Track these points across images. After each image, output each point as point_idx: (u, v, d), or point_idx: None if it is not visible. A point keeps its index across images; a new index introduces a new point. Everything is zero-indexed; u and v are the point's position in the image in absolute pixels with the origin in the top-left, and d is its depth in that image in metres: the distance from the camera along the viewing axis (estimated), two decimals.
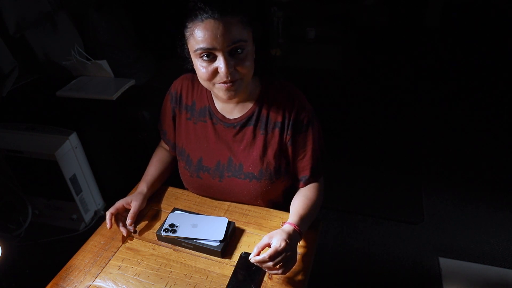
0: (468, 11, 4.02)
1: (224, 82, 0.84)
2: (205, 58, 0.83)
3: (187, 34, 0.85)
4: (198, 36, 0.81)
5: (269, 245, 0.81)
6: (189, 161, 1.03)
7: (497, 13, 3.91)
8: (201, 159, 1.01)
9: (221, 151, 0.99)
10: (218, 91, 0.87)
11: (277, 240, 0.79)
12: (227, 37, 0.80)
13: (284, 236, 0.81)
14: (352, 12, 3.53)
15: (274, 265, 0.78)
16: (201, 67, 0.85)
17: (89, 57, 1.90)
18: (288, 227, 0.86)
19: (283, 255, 0.78)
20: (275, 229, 0.95)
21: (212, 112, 1.00)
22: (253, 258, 0.79)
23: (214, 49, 0.81)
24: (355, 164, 2.39)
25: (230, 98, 0.89)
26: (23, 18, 1.90)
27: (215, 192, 1.04)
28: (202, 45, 0.81)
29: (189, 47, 0.87)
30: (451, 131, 2.69)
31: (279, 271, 0.79)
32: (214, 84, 0.86)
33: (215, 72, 0.84)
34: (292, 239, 0.82)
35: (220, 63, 0.82)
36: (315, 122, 0.98)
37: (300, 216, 0.90)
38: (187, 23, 0.84)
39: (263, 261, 0.78)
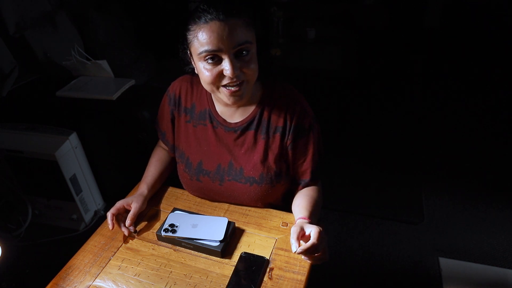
0: (468, 11, 4.02)
1: (229, 86, 0.83)
2: (209, 61, 0.81)
3: (190, 37, 0.83)
4: (203, 38, 0.79)
5: (303, 233, 0.80)
6: (188, 164, 1.02)
7: (497, 13, 3.91)
8: (201, 162, 1.01)
9: (222, 154, 0.99)
10: (223, 96, 0.86)
11: (312, 227, 0.79)
12: (233, 39, 0.79)
13: (310, 224, 0.82)
14: (352, 12, 3.53)
15: (321, 250, 0.77)
16: (205, 70, 0.83)
17: (89, 57, 1.90)
18: (302, 221, 0.86)
19: (324, 240, 0.78)
20: (275, 230, 0.95)
21: (212, 115, 0.99)
22: (300, 249, 0.75)
23: (220, 51, 0.79)
24: (355, 164, 2.39)
25: (234, 103, 0.87)
26: (23, 18, 1.90)
27: (215, 195, 1.03)
28: (207, 47, 0.79)
29: (192, 50, 0.85)
30: (451, 131, 2.69)
31: (322, 256, 0.78)
32: (218, 88, 0.85)
33: (220, 75, 0.82)
34: None
35: (226, 65, 0.80)
36: (315, 127, 0.98)
37: (308, 211, 0.91)
38: (190, 26, 0.82)
39: (312, 246, 0.75)
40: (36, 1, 1.97)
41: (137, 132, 1.72)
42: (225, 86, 0.84)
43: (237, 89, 0.84)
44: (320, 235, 0.78)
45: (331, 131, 2.56)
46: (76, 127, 1.79)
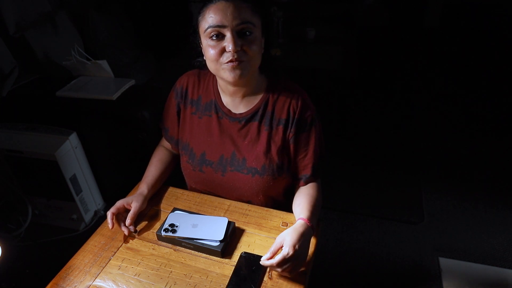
0: (468, 11, 4.02)
1: (230, 61, 0.85)
2: (214, 37, 0.85)
3: (199, 18, 0.88)
4: (209, 16, 0.85)
5: (282, 247, 0.81)
6: (192, 155, 1.03)
7: (497, 13, 3.91)
8: (205, 153, 1.02)
9: (225, 145, 1.00)
10: (224, 72, 0.88)
11: (286, 247, 0.79)
12: (237, 16, 0.83)
13: (294, 239, 0.81)
14: (352, 12, 3.53)
15: (282, 270, 0.80)
16: (209, 48, 0.87)
17: (89, 57, 1.90)
18: (301, 224, 0.86)
19: (290, 262, 0.79)
20: (275, 230, 0.95)
21: (218, 106, 1.01)
22: (262, 261, 0.80)
23: (223, 26, 0.83)
24: (355, 164, 2.39)
25: (235, 79, 0.88)
26: (23, 18, 1.90)
27: (217, 186, 1.04)
28: (211, 23, 0.84)
29: (200, 31, 0.90)
30: (450, 131, 2.69)
31: (285, 274, 0.81)
32: (221, 65, 0.87)
33: (223, 51, 0.86)
34: (304, 237, 0.83)
35: (227, 41, 0.84)
36: (317, 122, 0.99)
37: (309, 211, 0.91)
38: (201, 10, 0.88)
39: (271, 266, 0.79)
40: (36, 1, 1.97)
41: (137, 132, 1.72)
42: (227, 63, 0.86)
43: (237, 63, 0.85)
44: (284, 261, 0.78)
45: (331, 131, 2.56)
46: (76, 127, 1.79)
